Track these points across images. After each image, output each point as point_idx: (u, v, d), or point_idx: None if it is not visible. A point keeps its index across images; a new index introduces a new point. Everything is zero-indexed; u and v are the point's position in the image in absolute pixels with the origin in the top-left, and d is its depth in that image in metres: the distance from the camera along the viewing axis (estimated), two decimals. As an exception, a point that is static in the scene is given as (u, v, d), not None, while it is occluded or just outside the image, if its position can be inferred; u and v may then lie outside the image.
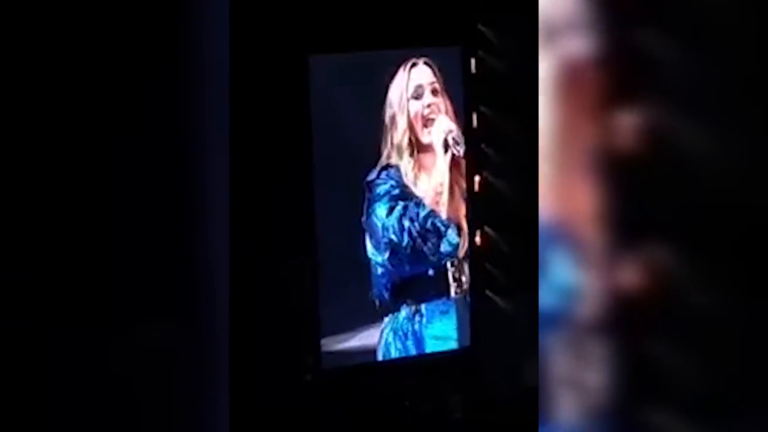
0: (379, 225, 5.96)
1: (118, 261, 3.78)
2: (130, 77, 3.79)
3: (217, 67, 3.93)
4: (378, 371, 6.18)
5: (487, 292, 6.50)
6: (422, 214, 6.00)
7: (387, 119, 5.93)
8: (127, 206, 3.79)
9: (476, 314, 6.35)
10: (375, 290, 6.12)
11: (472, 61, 6.29)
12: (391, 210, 5.83)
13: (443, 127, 5.91)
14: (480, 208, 6.37)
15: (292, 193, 5.92)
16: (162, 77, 3.81)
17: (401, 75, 5.86)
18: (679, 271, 3.79)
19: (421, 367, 6.27)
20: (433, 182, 5.97)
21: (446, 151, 5.86)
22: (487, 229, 6.45)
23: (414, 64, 5.93)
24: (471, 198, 6.30)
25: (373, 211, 5.97)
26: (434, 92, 5.94)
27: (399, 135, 5.88)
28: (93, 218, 3.76)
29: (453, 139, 5.86)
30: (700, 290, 3.78)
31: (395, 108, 5.87)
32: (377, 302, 6.16)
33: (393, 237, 5.90)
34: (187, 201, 3.89)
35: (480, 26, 6.39)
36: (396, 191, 5.92)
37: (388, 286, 6.11)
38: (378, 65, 6.00)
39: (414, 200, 5.99)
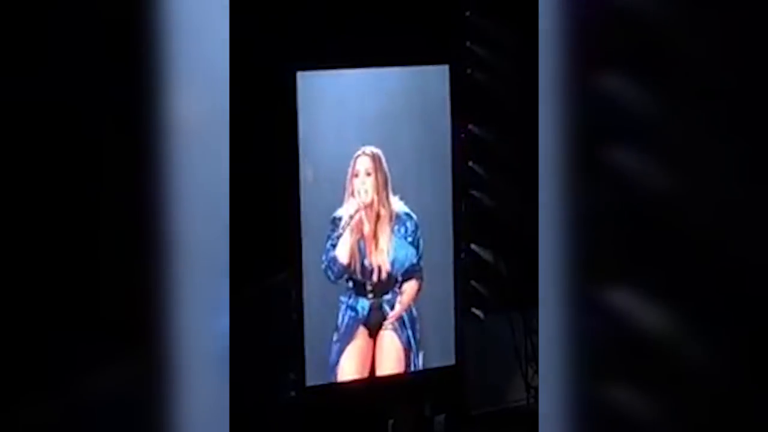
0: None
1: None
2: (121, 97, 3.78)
3: (215, 84, 3.93)
4: (363, 389, 6.16)
5: (473, 309, 6.49)
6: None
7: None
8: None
9: (462, 332, 6.33)
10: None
11: (460, 79, 6.29)
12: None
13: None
14: (466, 225, 6.37)
15: (277, 207, 5.91)
16: (153, 91, 3.80)
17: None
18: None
19: (406, 384, 6.25)
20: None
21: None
22: (473, 246, 6.45)
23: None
24: (457, 215, 6.29)
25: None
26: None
27: None
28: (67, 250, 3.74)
29: None
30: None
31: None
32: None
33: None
34: (170, 212, 3.87)
35: (469, 44, 6.40)
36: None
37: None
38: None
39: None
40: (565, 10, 3.88)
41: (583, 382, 3.95)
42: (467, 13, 6.38)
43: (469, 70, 6.37)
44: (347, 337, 6.09)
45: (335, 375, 6.09)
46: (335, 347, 6.08)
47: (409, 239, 6.14)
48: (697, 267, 3.79)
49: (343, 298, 6.09)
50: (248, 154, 5.50)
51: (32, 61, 3.68)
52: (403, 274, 6.16)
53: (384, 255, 6.12)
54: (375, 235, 6.08)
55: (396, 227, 6.12)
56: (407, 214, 6.13)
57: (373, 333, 6.15)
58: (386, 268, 6.12)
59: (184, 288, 3.88)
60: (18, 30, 3.64)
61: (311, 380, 6.03)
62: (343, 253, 6.03)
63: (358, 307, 6.11)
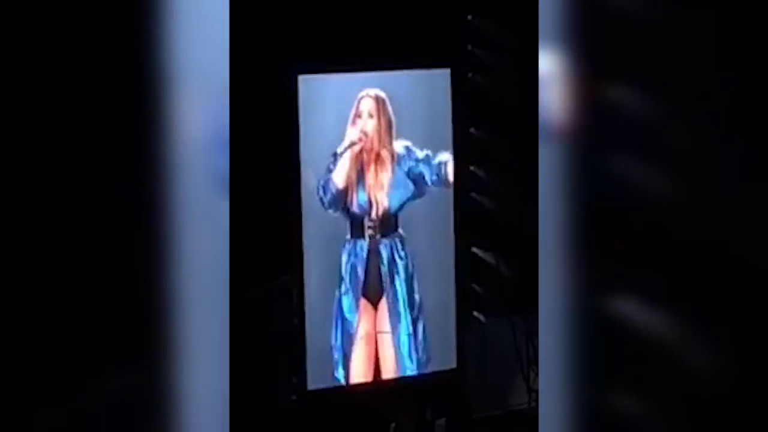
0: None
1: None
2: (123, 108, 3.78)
3: (215, 89, 3.93)
4: (364, 392, 6.15)
5: (474, 312, 6.49)
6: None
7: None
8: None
9: (463, 335, 6.32)
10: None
11: (462, 82, 6.28)
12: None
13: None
14: (468, 228, 6.36)
15: (278, 211, 5.91)
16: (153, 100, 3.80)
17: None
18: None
19: (408, 388, 6.24)
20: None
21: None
22: (474, 249, 6.44)
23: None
24: (458, 218, 6.28)
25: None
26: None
27: None
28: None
29: None
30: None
31: None
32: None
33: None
34: (171, 215, 3.86)
35: (470, 47, 6.40)
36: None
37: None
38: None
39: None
40: (566, 16, 3.89)
41: (584, 386, 3.95)
42: (469, 17, 6.38)
43: (470, 74, 6.36)
44: (352, 294, 6.07)
45: (336, 379, 6.09)
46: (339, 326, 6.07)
47: (412, 174, 6.12)
48: (697, 271, 3.79)
49: (346, 245, 6.05)
50: (249, 158, 5.50)
51: (33, 63, 3.68)
52: (400, 211, 6.13)
53: (382, 191, 6.08)
54: (375, 171, 6.05)
55: (397, 166, 6.10)
56: (408, 149, 6.11)
57: (373, 298, 6.11)
58: (384, 203, 6.08)
59: (184, 292, 3.88)
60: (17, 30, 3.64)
61: (312, 384, 6.03)
62: (339, 178, 5.98)
63: (357, 249, 6.08)
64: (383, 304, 6.15)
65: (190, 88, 3.84)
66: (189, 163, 3.85)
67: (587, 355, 3.95)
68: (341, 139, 5.99)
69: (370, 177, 6.05)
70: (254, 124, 5.69)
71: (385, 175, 6.07)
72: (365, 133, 5.97)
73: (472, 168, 6.43)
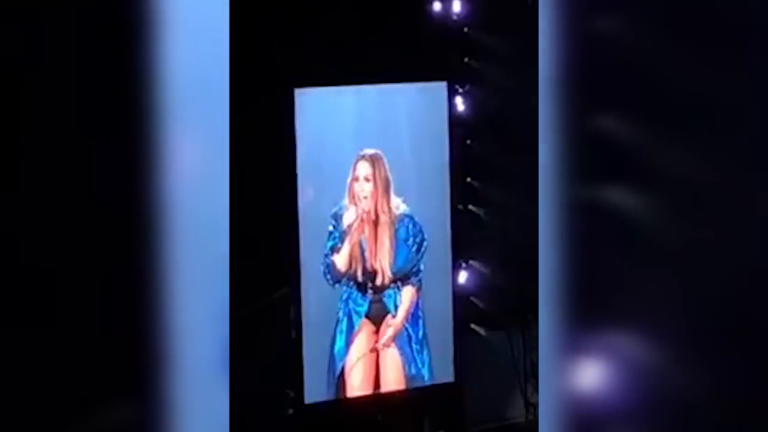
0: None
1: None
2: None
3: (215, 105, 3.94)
4: (361, 406, 6.14)
5: (473, 325, 6.48)
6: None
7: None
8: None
9: (460, 349, 6.31)
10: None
11: (458, 94, 6.29)
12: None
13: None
14: (465, 241, 6.36)
15: (275, 224, 5.91)
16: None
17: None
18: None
19: (405, 401, 6.23)
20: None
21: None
22: (472, 262, 6.44)
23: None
24: (455, 231, 6.28)
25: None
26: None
27: None
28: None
29: None
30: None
31: None
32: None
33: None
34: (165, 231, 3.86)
35: (467, 60, 6.40)
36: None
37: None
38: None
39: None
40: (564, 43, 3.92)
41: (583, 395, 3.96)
42: (465, 30, 6.38)
43: (467, 86, 6.36)
44: (350, 330, 6.08)
45: (334, 392, 6.08)
46: (340, 342, 6.07)
47: (410, 241, 6.14)
48: (684, 287, 3.81)
49: (344, 296, 6.08)
50: (246, 171, 5.50)
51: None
52: (403, 277, 6.16)
53: (384, 259, 6.11)
54: (375, 239, 6.08)
55: (397, 230, 6.12)
56: (408, 217, 6.13)
57: (378, 324, 6.13)
58: (387, 271, 6.12)
59: (184, 306, 3.88)
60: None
61: (310, 398, 6.02)
62: (341, 261, 6.03)
63: (359, 301, 6.11)
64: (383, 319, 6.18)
65: (190, 101, 3.85)
66: (189, 179, 3.85)
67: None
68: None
69: (370, 247, 6.09)
70: (251, 138, 5.68)
71: (385, 242, 6.11)
72: (363, 209, 6.02)
73: (468, 180, 6.43)
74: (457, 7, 6.31)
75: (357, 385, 6.11)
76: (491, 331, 6.49)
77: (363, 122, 6.07)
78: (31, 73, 3.65)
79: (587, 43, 3.92)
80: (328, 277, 6.02)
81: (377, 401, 6.15)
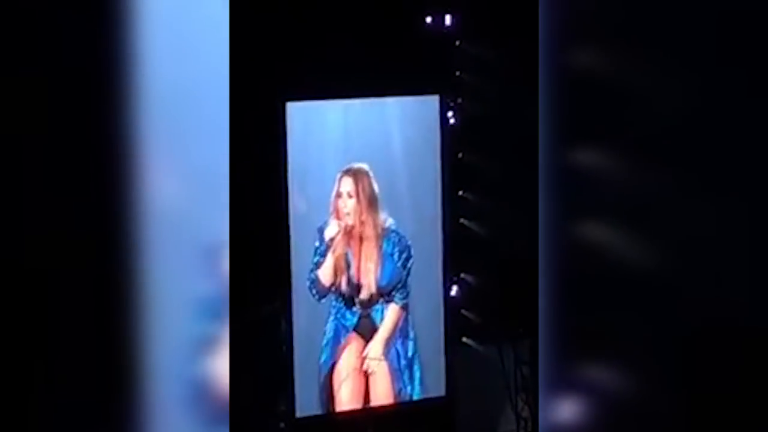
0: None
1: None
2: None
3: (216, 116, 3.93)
4: (352, 420, 6.12)
5: (464, 339, 6.47)
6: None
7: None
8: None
9: (452, 363, 6.30)
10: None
11: (451, 108, 6.29)
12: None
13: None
14: (456, 253, 6.35)
15: (266, 238, 5.89)
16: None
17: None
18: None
19: (397, 415, 6.22)
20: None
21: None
22: (463, 275, 6.43)
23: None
24: (447, 243, 6.27)
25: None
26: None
27: None
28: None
29: None
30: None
31: None
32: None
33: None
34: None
35: (458, 73, 6.40)
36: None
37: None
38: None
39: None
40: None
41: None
42: (457, 43, 6.38)
43: (459, 100, 6.36)
44: (337, 344, 6.06)
45: (324, 406, 6.06)
46: (326, 355, 6.05)
47: (395, 256, 6.12)
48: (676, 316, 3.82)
49: (332, 311, 6.07)
50: (237, 183, 5.48)
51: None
52: (389, 292, 6.14)
53: (370, 274, 6.10)
54: (360, 254, 6.06)
55: (383, 245, 6.10)
56: (394, 232, 6.12)
57: (366, 338, 6.11)
58: (372, 286, 6.11)
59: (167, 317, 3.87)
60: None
61: (301, 411, 6.00)
62: (324, 275, 6.02)
63: (347, 316, 6.09)
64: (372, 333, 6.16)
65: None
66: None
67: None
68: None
69: (355, 261, 6.08)
70: (243, 153, 5.66)
71: (371, 256, 6.10)
72: (347, 224, 6.00)
73: (460, 193, 6.42)
74: (449, 20, 6.32)
75: (347, 400, 6.10)
76: (483, 344, 6.48)
77: (354, 136, 6.06)
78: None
79: (563, 77, 3.94)
80: (314, 291, 6.01)
81: (368, 415, 6.14)
